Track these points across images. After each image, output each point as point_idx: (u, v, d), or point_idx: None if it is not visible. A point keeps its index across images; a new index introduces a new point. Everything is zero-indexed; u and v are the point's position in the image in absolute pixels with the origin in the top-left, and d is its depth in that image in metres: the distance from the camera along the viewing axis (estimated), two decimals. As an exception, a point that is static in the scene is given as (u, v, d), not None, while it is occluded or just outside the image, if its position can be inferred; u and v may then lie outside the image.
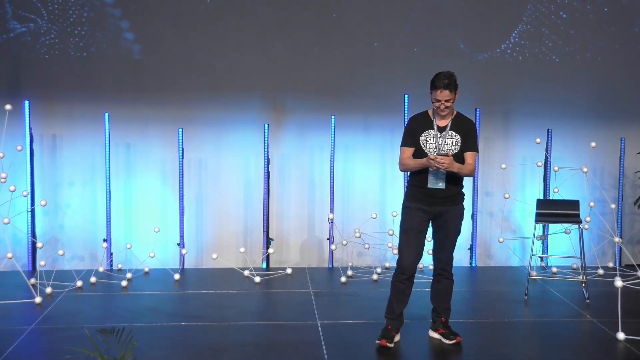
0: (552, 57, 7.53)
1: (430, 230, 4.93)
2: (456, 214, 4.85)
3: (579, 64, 7.59)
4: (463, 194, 4.91)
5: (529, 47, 7.53)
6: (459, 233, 4.91)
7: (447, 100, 4.66)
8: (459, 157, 4.73)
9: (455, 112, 4.83)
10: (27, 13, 7.10)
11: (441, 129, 4.77)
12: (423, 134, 4.77)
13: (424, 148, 4.75)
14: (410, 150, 4.81)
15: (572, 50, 7.55)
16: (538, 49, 7.53)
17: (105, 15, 7.19)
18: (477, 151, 4.84)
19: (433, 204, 4.76)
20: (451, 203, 4.81)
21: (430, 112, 4.84)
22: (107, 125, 6.93)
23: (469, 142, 4.77)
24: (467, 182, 7.35)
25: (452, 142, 4.74)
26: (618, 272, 6.84)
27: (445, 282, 4.97)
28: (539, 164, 7.16)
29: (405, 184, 7.20)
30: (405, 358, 4.81)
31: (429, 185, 4.72)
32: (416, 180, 4.81)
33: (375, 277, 6.74)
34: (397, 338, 4.91)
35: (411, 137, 4.81)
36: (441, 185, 4.72)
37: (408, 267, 4.78)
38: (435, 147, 4.72)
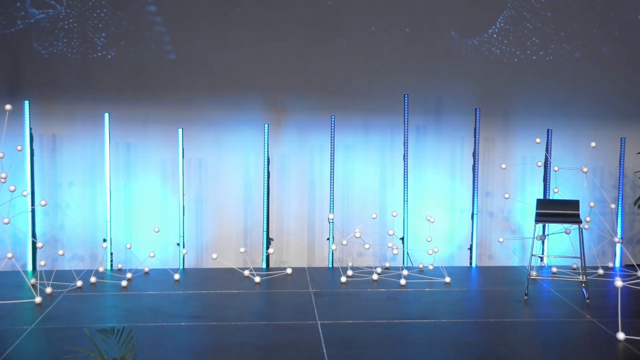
0: (533, 39, 7.53)
1: None
2: None
3: (579, 63, 7.60)
4: None
5: (513, 31, 7.52)
6: None
7: None
8: None
9: None
10: None
11: None
12: None
13: None
14: None
15: (550, 32, 7.54)
16: (521, 32, 7.52)
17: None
18: None
19: None
20: None
21: None
22: (107, 125, 6.93)
23: None
24: (466, 182, 7.44)
25: None
26: (618, 272, 6.84)
27: None
28: (539, 164, 7.16)
29: (406, 183, 7.24)
30: (406, 358, 4.80)
31: None
32: None
33: (375, 277, 6.74)
34: None
35: None
36: None
37: None
38: None
